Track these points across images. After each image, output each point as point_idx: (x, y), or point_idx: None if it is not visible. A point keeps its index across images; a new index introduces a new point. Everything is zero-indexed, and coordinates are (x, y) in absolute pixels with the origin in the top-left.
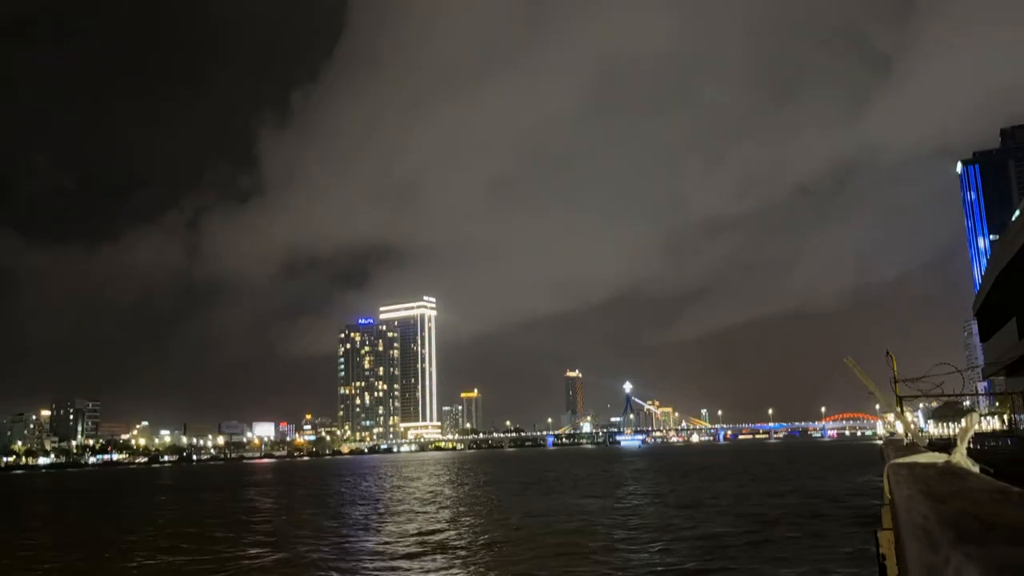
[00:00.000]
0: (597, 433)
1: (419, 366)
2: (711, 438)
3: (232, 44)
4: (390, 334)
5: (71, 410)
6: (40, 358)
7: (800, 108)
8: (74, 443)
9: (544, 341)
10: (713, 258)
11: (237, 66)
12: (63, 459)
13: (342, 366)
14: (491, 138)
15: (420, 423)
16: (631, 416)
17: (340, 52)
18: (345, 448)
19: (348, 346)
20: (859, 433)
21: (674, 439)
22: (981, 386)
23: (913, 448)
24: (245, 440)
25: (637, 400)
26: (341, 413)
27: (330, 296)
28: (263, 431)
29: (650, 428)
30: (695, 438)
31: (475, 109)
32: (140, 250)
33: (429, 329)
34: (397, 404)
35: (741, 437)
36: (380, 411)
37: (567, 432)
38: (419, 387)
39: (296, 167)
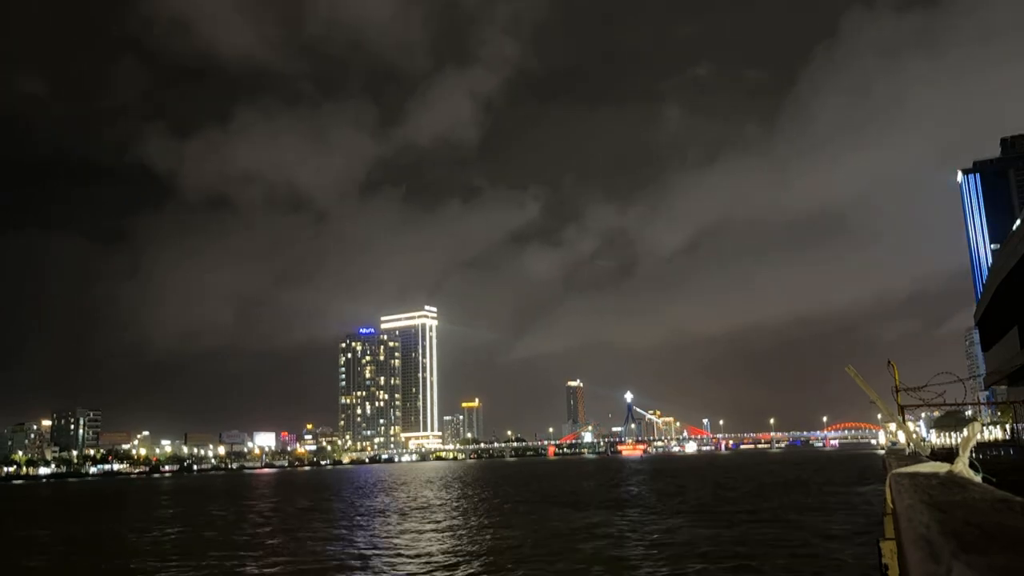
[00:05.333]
0: (598, 443)
1: (420, 375)
2: (712, 447)
3: None
4: (391, 343)
5: (72, 420)
6: (41, 367)
7: None
8: (75, 453)
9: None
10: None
11: None
12: (64, 469)
13: (343, 375)
14: None
15: (421, 433)
16: (632, 426)
17: None
18: (346, 458)
19: (349, 355)
20: (865, 441)
21: (675, 449)
22: (983, 395)
23: (915, 457)
24: (246, 450)
25: (638, 410)
26: (342, 423)
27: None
28: (264, 441)
29: (652, 437)
30: (690, 448)
31: None
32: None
33: (430, 339)
34: (398, 414)
35: (743, 447)
36: (381, 421)
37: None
38: (420, 397)
39: None
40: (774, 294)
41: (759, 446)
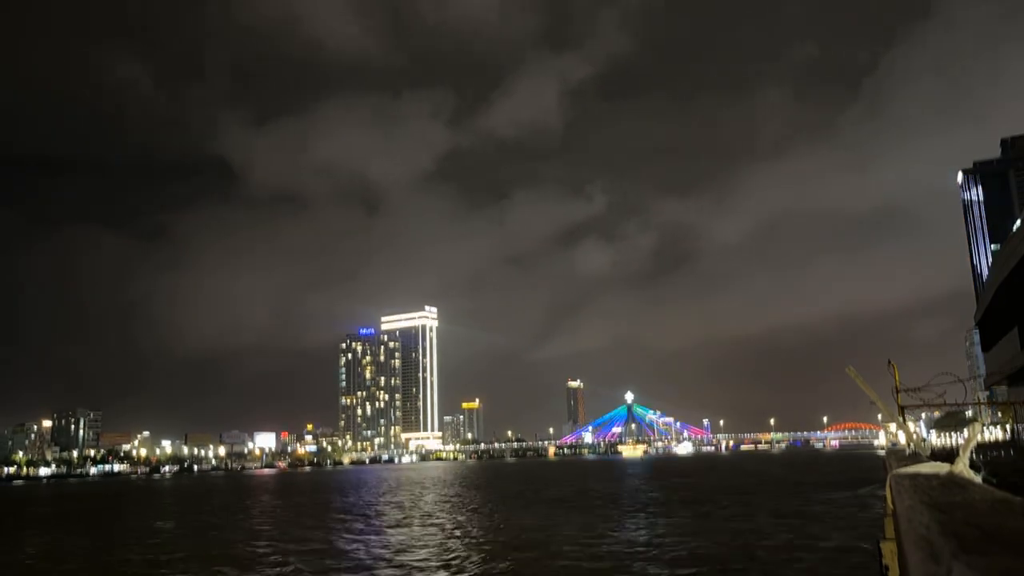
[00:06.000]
0: (599, 443)
1: (420, 376)
2: (713, 448)
3: None
4: (391, 344)
5: (72, 420)
6: (42, 368)
7: None
8: (75, 453)
9: None
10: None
11: None
12: (64, 470)
13: (343, 376)
14: None
15: (421, 433)
16: (632, 426)
17: None
18: (346, 459)
19: (349, 356)
20: (867, 442)
21: (675, 449)
22: (983, 396)
23: (915, 458)
24: (246, 450)
25: (639, 409)
26: (342, 423)
27: None
28: (264, 441)
29: (652, 438)
30: (683, 449)
31: None
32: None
33: (430, 339)
34: (398, 414)
35: (743, 447)
36: (381, 421)
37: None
38: (420, 397)
39: None
40: (821, 292)
41: (759, 447)
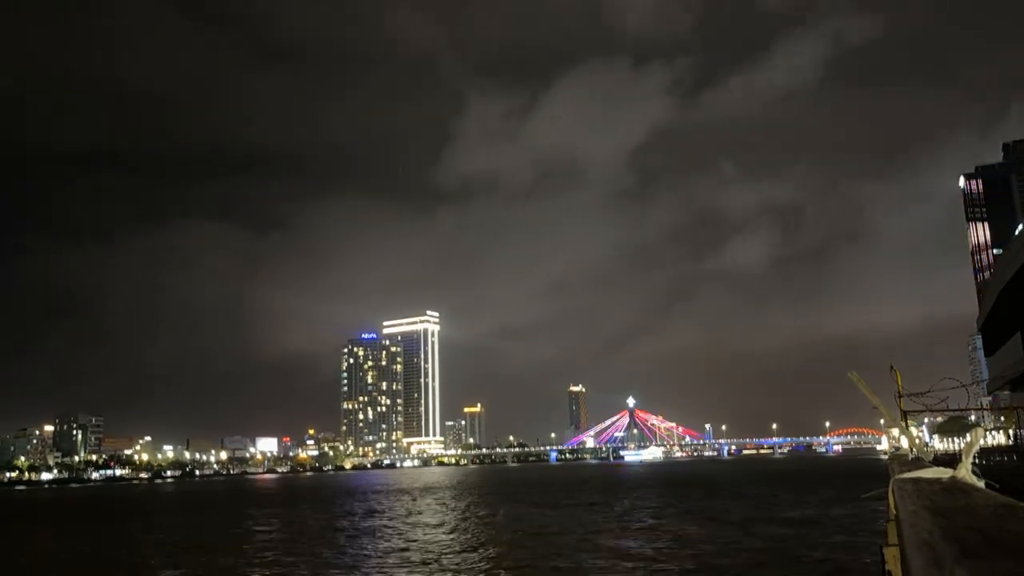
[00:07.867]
0: (601, 448)
1: (422, 381)
2: (715, 454)
3: None
4: (393, 348)
5: (74, 425)
6: (43, 373)
7: None
8: (77, 458)
9: None
10: None
11: None
12: (66, 475)
13: (345, 381)
14: None
15: (423, 438)
16: (635, 431)
17: None
18: (348, 463)
19: (351, 361)
20: (869, 447)
21: (678, 454)
22: (986, 400)
23: (918, 463)
24: (248, 455)
25: (641, 414)
26: (344, 428)
27: None
28: (266, 446)
29: (654, 443)
30: (650, 454)
31: None
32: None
33: (432, 343)
34: (400, 419)
35: (745, 452)
36: (383, 426)
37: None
38: (422, 402)
39: None
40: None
41: (762, 452)
